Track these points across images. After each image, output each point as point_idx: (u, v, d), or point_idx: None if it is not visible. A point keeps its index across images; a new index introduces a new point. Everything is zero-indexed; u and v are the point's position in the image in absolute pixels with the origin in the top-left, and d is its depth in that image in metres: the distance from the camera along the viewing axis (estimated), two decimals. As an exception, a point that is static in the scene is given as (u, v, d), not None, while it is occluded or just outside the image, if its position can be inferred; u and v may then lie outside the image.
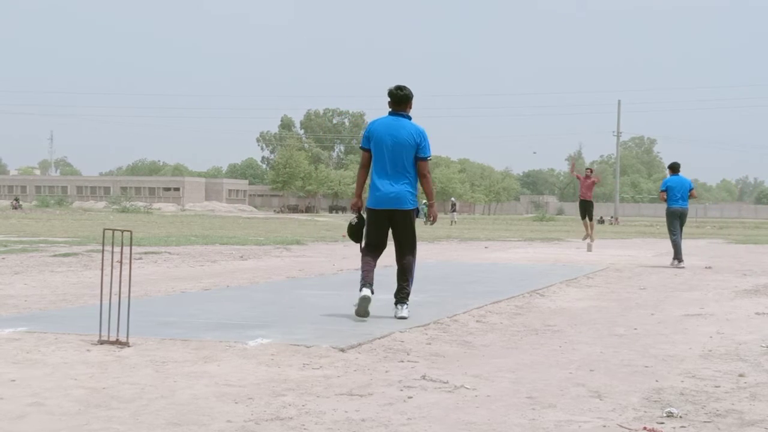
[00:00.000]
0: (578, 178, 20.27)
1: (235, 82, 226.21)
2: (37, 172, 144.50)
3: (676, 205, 15.25)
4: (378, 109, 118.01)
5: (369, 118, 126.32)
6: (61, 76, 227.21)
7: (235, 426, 3.78)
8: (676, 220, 15.27)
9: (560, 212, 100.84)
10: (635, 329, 7.09)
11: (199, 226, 32.72)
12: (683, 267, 14.49)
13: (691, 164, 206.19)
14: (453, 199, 59.94)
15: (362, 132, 7.60)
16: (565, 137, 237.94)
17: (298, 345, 5.70)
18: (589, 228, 19.65)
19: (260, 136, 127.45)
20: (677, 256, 14.87)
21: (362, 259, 7.31)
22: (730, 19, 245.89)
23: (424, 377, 4.87)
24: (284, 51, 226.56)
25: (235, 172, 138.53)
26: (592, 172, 20.42)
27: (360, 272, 7.30)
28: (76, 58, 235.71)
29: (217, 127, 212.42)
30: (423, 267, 13.77)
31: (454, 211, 51.75)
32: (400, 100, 7.23)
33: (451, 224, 45.20)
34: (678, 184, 15.35)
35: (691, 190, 15.40)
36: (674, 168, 15.73)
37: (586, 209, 19.78)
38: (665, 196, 15.37)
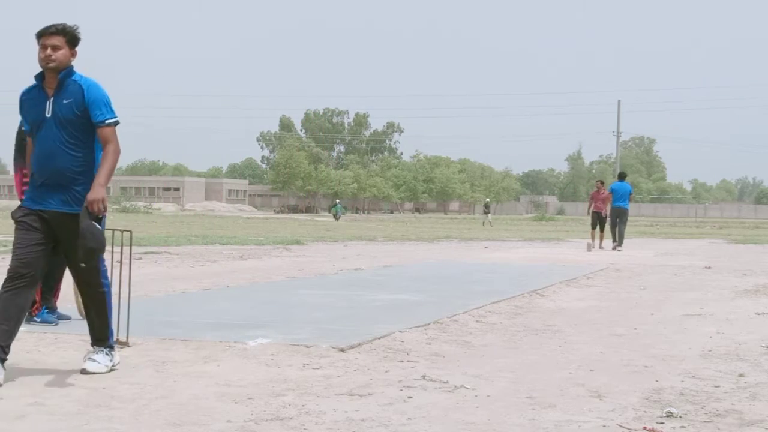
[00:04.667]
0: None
1: (235, 82, 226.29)
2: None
3: (615, 205, 20.06)
4: (379, 109, 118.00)
5: (372, 119, 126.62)
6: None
7: (235, 426, 3.78)
8: (615, 216, 20.02)
9: (560, 212, 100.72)
10: (635, 329, 7.09)
11: (199, 226, 32.71)
12: (620, 251, 19.03)
13: (691, 164, 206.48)
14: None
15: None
16: (565, 137, 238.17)
17: (298, 345, 5.70)
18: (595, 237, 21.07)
19: (260, 135, 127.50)
20: (619, 242, 19.80)
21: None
22: (730, 18, 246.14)
23: (424, 377, 4.87)
24: (284, 51, 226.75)
25: (235, 172, 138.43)
26: (602, 184, 21.57)
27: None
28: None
29: (217, 127, 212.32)
30: (423, 267, 13.78)
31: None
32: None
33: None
34: (620, 188, 20.29)
35: (630, 194, 20.33)
36: (621, 176, 21.33)
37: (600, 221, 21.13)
38: (611, 198, 20.17)
